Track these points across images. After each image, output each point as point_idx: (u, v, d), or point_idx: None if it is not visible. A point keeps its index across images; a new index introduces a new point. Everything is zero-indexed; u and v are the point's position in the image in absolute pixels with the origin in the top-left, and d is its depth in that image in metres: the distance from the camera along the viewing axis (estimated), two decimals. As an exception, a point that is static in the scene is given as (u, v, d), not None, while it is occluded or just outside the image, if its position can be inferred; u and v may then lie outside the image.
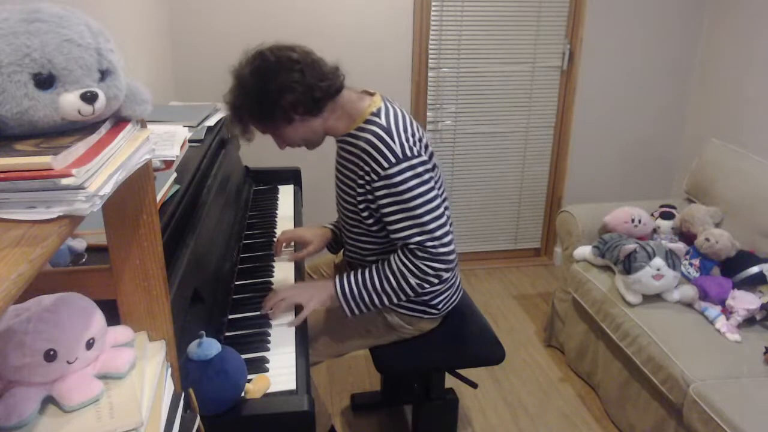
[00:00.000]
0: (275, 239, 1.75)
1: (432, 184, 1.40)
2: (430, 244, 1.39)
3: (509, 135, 3.07)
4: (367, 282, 1.46)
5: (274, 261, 1.66)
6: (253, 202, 2.06)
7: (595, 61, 2.95)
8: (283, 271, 1.61)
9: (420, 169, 1.38)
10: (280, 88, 1.36)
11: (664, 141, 3.20)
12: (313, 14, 2.61)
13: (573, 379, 2.36)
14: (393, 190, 1.37)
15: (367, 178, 1.40)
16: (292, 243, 1.75)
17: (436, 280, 1.44)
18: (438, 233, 1.40)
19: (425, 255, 1.40)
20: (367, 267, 1.49)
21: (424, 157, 1.40)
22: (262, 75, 1.37)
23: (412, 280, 1.43)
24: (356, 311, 1.49)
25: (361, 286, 1.47)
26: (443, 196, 1.49)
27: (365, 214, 1.47)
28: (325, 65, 1.45)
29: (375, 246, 1.55)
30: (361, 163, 1.40)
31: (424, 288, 1.45)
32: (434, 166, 1.47)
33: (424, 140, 1.45)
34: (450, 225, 1.49)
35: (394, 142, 1.37)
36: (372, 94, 1.49)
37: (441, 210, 1.41)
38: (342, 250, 1.82)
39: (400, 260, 1.43)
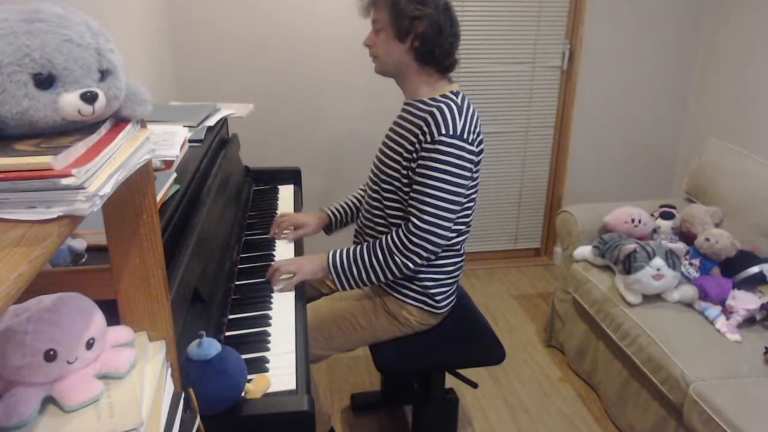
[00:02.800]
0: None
1: (467, 173, 1.48)
2: (428, 218, 1.46)
3: (509, 135, 3.07)
4: (357, 256, 1.53)
5: (274, 261, 1.66)
6: (253, 202, 2.06)
7: (595, 61, 2.95)
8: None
9: (465, 155, 1.46)
10: (429, 16, 1.46)
11: (664, 141, 3.20)
12: (313, 15, 2.61)
13: (573, 379, 2.36)
14: (434, 155, 1.44)
15: (422, 137, 1.47)
16: (292, 227, 1.82)
17: (417, 259, 1.50)
18: (442, 213, 1.46)
19: (415, 230, 1.47)
20: (364, 243, 1.56)
21: (474, 149, 1.48)
22: (432, 0, 1.47)
23: (397, 257, 1.50)
24: (346, 285, 1.55)
25: (351, 259, 1.53)
26: (472, 197, 1.59)
27: (404, 172, 1.52)
28: (457, 50, 1.55)
29: (397, 212, 1.58)
30: (422, 124, 1.47)
31: (408, 268, 1.51)
32: (478, 163, 1.55)
33: (481, 139, 1.53)
34: (465, 225, 1.60)
35: (459, 120, 1.45)
36: (453, 82, 1.59)
37: (459, 198, 1.48)
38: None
39: (392, 237, 1.51)
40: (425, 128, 1.46)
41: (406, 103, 1.60)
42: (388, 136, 1.63)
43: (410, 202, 1.50)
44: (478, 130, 1.50)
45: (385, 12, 1.50)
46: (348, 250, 1.55)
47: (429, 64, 1.52)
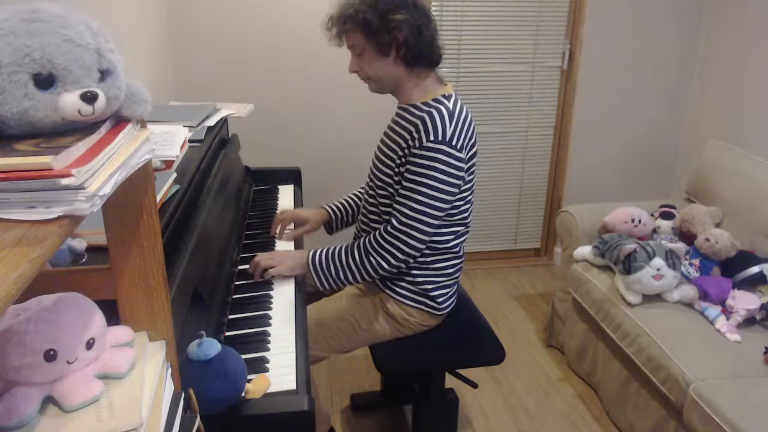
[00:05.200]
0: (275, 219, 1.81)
1: (452, 181, 1.46)
2: (406, 221, 1.46)
3: (509, 135, 3.07)
4: (335, 255, 1.53)
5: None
6: (253, 202, 2.06)
7: (595, 61, 2.95)
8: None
9: (452, 162, 1.44)
10: (403, 21, 1.42)
11: (664, 141, 3.20)
12: (313, 15, 2.61)
13: (573, 379, 2.36)
14: (420, 161, 1.43)
15: (411, 143, 1.45)
16: (292, 224, 1.82)
17: (392, 260, 1.50)
18: (422, 217, 1.46)
19: (392, 230, 1.47)
20: (345, 243, 1.56)
21: (462, 156, 1.46)
22: (398, 3, 1.43)
23: (372, 258, 1.50)
24: (324, 283, 1.55)
25: (329, 258, 1.53)
26: (468, 199, 1.56)
27: (397, 179, 1.51)
28: (440, 41, 1.52)
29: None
30: (413, 129, 1.46)
31: (383, 268, 1.51)
32: (469, 169, 1.52)
33: (473, 143, 1.51)
34: (463, 226, 1.58)
35: (449, 126, 1.43)
36: (447, 84, 1.57)
37: (442, 204, 1.47)
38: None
39: (370, 237, 1.51)
40: (415, 134, 1.45)
41: (399, 107, 1.59)
42: (382, 141, 1.63)
43: (394, 204, 1.50)
44: (470, 134, 1.48)
45: (360, 34, 1.45)
46: (328, 249, 1.55)
47: (418, 65, 1.49)
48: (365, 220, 1.68)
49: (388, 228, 1.48)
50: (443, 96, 1.50)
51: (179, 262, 1.12)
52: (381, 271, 1.52)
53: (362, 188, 1.90)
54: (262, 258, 1.53)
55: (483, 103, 2.97)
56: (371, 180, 1.64)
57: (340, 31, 1.49)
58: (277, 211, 1.98)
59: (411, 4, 1.44)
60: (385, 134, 1.62)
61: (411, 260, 1.53)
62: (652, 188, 3.26)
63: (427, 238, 1.49)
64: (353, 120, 2.82)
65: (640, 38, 2.96)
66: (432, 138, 1.41)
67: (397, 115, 1.59)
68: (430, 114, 1.44)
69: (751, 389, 1.62)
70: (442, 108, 1.45)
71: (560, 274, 2.49)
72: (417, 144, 1.43)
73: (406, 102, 1.55)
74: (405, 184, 1.47)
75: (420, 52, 1.46)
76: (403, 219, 1.46)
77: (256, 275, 1.52)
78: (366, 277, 1.53)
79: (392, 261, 1.50)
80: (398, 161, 1.50)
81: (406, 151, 1.47)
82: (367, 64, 1.49)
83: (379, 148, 1.62)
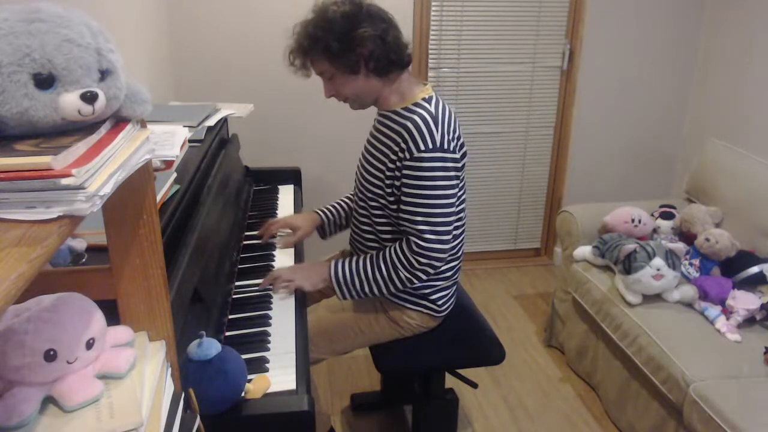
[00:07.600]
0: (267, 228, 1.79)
1: (455, 182, 1.45)
2: (428, 236, 1.43)
3: (509, 135, 3.07)
4: (360, 269, 1.51)
5: (274, 261, 1.66)
6: (253, 202, 2.06)
7: (595, 61, 2.95)
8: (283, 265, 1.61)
9: (449, 165, 1.42)
10: (365, 36, 1.38)
11: (664, 141, 3.20)
12: (313, 14, 2.60)
13: (573, 379, 2.36)
14: (419, 173, 1.41)
15: (401, 155, 1.43)
16: (287, 229, 1.80)
17: (423, 276, 1.48)
18: (440, 228, 1.44)
19: (419, 250, 1.44)
20: (365, 254, 1.54)
21: (457, 156, 1.45)
22: (353, 18, 1.39)
23: (402, 273, 1.47)
24: (347, 296, 1.54)
25: (354, 272, 1.51)
26: (462, 198, 1.54)
27: (389, 190, 1.49)
28: (404, 38, 1.47)
29: (387, 227, 1.56)
30: (400, 140, 1.43)
31: (413, 283, 1.50)
32: (462, 167, 1.50)
33: (462, 141, 1.50)
34: (459, 229, 1.56)
35: (437, 130, 1.41)
36: (425, 84, 1.54)
37: (452, 209, 1.45)
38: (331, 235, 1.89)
39: (395, 251, 1.48)
40: (403, 144, 1.42)
41: (380, 114, 1.55)
42: (366, 150, 1.60)
43: (403, 223, 1.46)
44: (457, 134, 1.46)
45: (325, 61, 1.42)
46: (350, 262, 1.53)
47: (391, 70, 1.45)
48: (357, 230, 1.66)
49: (414, 248, 1.44)
50: (423, 99, 1.47)
51: (179, 262, 1.12)
52: (410, 285, 1.51)
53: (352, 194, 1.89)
54: (282, 273, 1.50)
55: (483, 103, 2.97)
56: (360, 191, 1.60)
57: (304, 62, 1.47)
58: (277, 212, 1.98)
59: (365, 15, 1.40)
60: (369, 143, 1.59)
61: (433, 270, 1.52)
62: (652, 188, 3.26)
63: (449, 245, 1.48)
64: (353, 120, 2.81)
65: (640, 38, 2.96)
66: (423, 148, 1.39)
67: (378, 122, 1.56)
68: (413, 122, 1.41)
69: (751, 389, 1.62)
70: (425, 114, 1.42)
71: (560, 274, 2.49)
72: (408, 155, 1.40)
73: (386, 109, 1.52)
74: (410, 200, 1.43)
75: (389, 59, 1.43)
76: (425, 236, 1.43)
77: (274, 287, 1.49)
78: (393, 290, 1.52)
79: (423, 277, 1.49)
80: (388, 173, 1.47)
81: (398, 163, 1.44)
82: (340, 87, 1.47)
83: (365, 158, 1.59)
